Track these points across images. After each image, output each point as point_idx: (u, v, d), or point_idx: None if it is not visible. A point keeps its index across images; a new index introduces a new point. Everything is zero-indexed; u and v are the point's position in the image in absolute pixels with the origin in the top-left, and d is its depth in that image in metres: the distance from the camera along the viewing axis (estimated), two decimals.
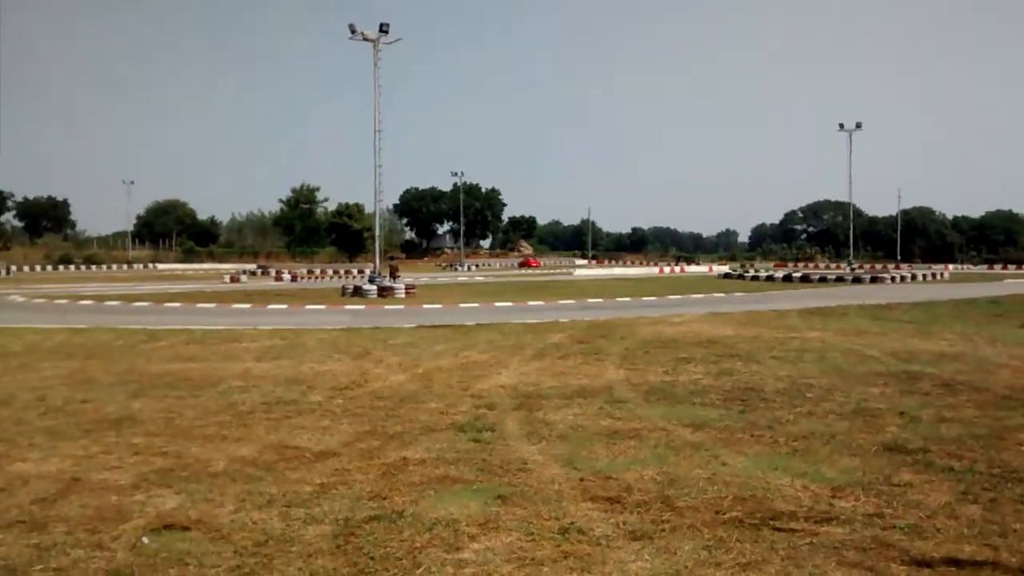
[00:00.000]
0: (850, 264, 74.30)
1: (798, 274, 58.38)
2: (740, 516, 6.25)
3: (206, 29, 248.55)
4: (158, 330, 20.87)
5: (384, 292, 38.38)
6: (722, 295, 38.85)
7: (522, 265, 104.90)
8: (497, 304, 32.71)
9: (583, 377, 13.29)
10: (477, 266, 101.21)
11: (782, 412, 10.37)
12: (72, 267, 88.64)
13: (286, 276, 62.68)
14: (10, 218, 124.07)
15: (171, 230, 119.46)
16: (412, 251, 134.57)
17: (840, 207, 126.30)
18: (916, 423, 9.66)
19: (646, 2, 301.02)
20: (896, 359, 15.30)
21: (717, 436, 9.04)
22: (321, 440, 8.92)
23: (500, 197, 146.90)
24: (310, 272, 70.83)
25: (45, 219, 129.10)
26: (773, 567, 5.25)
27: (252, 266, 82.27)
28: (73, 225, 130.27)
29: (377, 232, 46.59)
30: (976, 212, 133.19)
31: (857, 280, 53.94)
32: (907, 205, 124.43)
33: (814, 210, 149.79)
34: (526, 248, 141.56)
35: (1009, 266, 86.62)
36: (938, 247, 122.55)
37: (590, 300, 35.04)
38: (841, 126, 71.17)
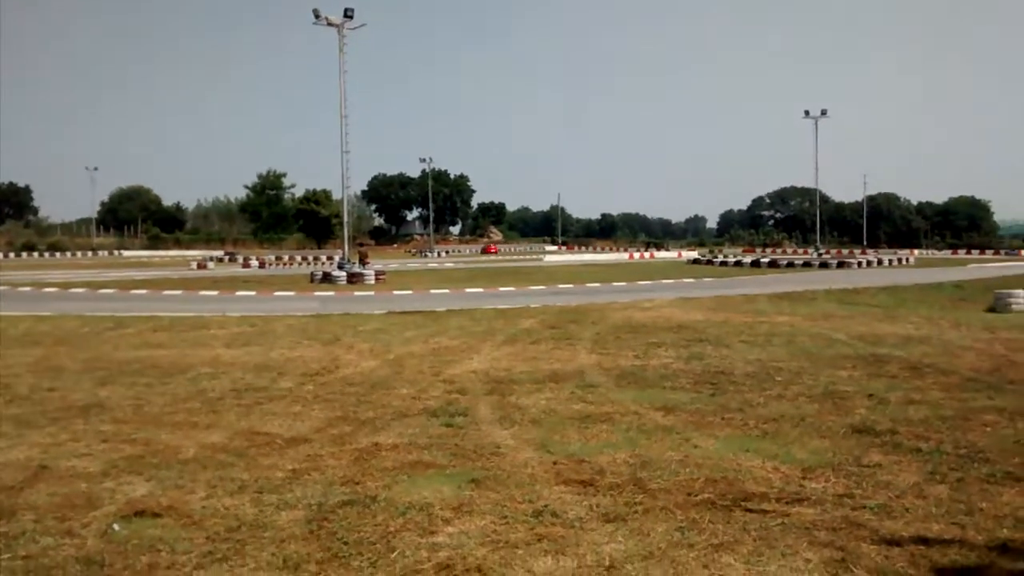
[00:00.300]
0: (817, 250, 74.99)
1: (766, 260, 58.89)
2: (712, 498, 6.29)
3: (172, 14, 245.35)
4: (125, 317, 20.64)
5: (353, 278, 38.21)
6: (691, 280, 39.09)
7: (484, 251, 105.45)
8: (468, 290, 32.69)
9: (555, 362, 13.31)
10: (447, 252, 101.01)
11: (752, 395, 10.46)
12: (35, 254, 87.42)
13: (254, 263, 62.15)
14: None
15: (136, 217, 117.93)
16: (381, 237, 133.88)
17: (807, 193, 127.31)
18: (884, 405, 9.78)
19: None
20: (863, 342, 15.47)
21: (688, 419, 9.09)
22: (292, 426, 8.87)
23: (469, 183, 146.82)
24: (278, 259, 70.30)
25: (7, 206, 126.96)
26: (745, 547, 5.30)
27: (219, 253, 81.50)
28: (36, 212, 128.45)
29: (345, 218, 46.36)
30: (940, 198, 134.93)
31: (824, 265, 54.52)
32: (873, 191, 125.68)
33: (781, 196, 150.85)
34: (495, 234, 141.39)
35: (972, 251, 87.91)
36: (903, 233, 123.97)
37: (560, 286, 35.11)
38: (807, 113, 71.70)
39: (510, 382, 11.47)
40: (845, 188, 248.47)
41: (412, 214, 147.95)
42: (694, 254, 77.58)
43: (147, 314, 21.61)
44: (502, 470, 7.09)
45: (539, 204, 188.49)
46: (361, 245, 65.68)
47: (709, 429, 8.64)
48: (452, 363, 13.20)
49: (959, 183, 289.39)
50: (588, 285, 35.69)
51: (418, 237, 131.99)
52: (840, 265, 54.56)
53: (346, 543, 5.41)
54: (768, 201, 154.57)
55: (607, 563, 5.05)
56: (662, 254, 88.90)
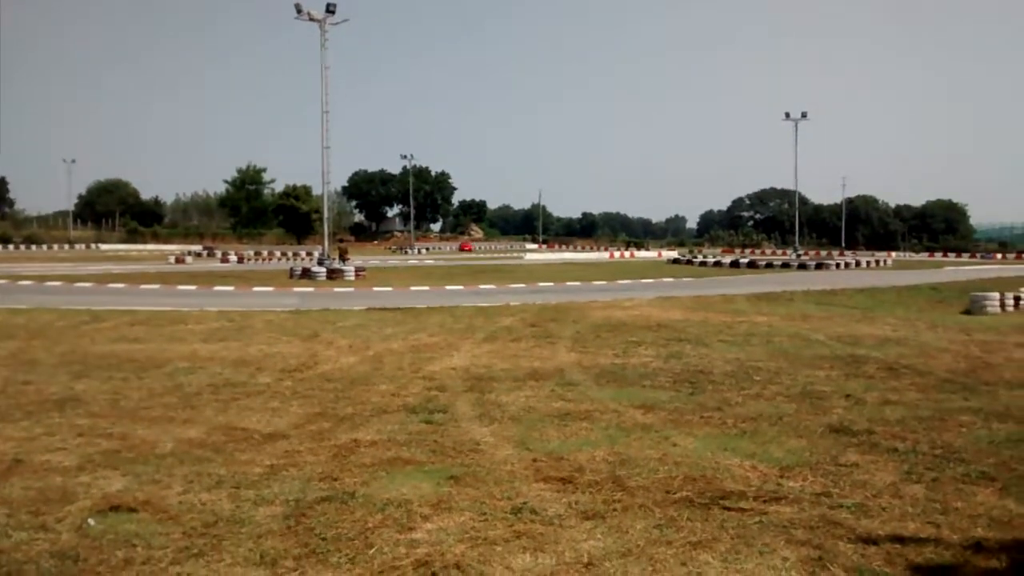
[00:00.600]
0: (795, 251, 75.41)
1: (745, 260, 59.21)
2: (690, 496, 6.32)
3: (150, 7, 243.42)
4: (102, 311, 20.43)
5: (333, 274, 38.07)
6: (671, 280, 39.23)
7: (461, 248, 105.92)
8: (448, 287, 32.65)
9: (535, 360, 13.32)
10: (427, 249, 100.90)
11: (731, 394, 10.51)
12: (11, 247, 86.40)
13: (232, 258, 61.81)
14: None
15: (114, 210, 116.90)
16: (361, 234, 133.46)
17: (786, 195, 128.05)
18: (861, 405, 9.85)
19: None
20: (841, 343, 15.58)
21: (667, 418, 9.12)
22: (270, 422, 8.82)
23: (450, 181, 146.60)
24: (257, 254, 69.95)
25: None
26: (723, 545, 5.32)
27: (198, 247, 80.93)
28: (12, 204, 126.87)
29: (326, 214, 46.17)
30: (918, 201, 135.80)
31: (802, 266, 54.89)
32: (851, 194, 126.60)
33: (761, 197, 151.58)
34: (476, 232, 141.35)
35: (949, 254, 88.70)
36: (881, 235, 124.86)
37: (541, 284, 35.14)
38: (787, 115, 72.01)
39: (490, 379, 11.47)
40: (824, 190, 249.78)
41: (393, 211, 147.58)
42: (674, 254, 77.82)
43: (124, 308, 21.42)
44: (481, 467, 7.09)
45: (520, 202, 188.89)
46: (341, 241, 65.63)
47: (688, 428, 8.67)
48: (432, 360, 13.18)
49: (937, 186, 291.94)
50: (568, 284, 35.75)
51: (399, 234, 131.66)
52: (818, 266, 54.91)
53: (324, 539, 5.38)
54: (748, 202, 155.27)
55: (586, 560, 5.05)
56: (642, 253, 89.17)
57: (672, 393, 10.59)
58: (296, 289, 31.82)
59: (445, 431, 8.43)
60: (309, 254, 63.23)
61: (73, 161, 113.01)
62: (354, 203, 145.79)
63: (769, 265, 55.99)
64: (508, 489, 6.46)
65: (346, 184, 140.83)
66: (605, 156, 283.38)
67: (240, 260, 60.63)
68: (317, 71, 41.35)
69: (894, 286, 34.33)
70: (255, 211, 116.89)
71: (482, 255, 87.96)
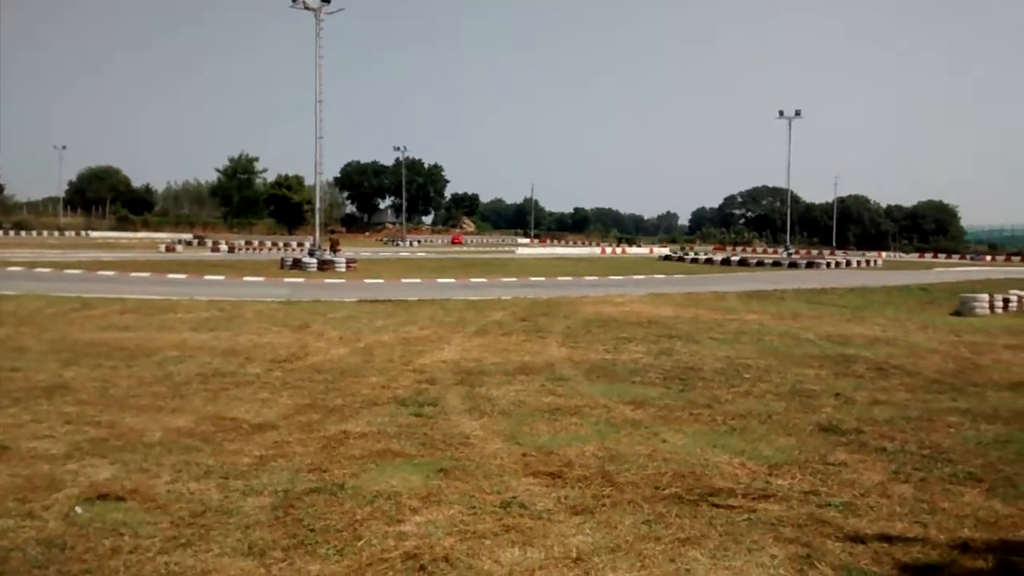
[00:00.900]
0: (787, 249, 75.42)
1: (736, 258, 59.31)
2: (679, 492, 6.33)
3: None
4: (91, 298, 20.35)
5: (324, 265, 38.01)
6: (662, 277, 39.28)
7: (453, 242, 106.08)
8: (439, 280, 32.63)
9: (525, 354, 13.32)
10: (419, 242, 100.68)
11: (720, 391, 10.53)
12: (0, 232, 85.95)
13: (223, 247, 61.57)
14: None
15: (104, 197, 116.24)
16: (353, 225, 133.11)
17: (778, 193, 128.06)
18: (850, 404, 9.89)
19: None
20: (831, 342, 15.63)
21: (657, 414, 9.14)
22: (260, 412, 8.80)
23: (443, 173, 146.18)
24: (248, 243, 69.68)
25: None
26: (712, 542, 5.33)
27: (188, 236, 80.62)
28: (1, 189, 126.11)
29: (317, 204, 45.97)
30: (909, 202, 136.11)
31: (793, 265, 55.01)
32: (843, 193, 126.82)
33: (753, 195, 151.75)
34: (468, 225, 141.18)
35: (939, 255, 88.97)
36: (872, 235, 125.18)
37: (532, 278, 35.13)
38: (781, 113, 72.03)
39: (480, 373, 11.46)
40: (816, 189, 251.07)
41: (385, 203, 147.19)
42: (666, 251, 77.80)
43: (114, 296, 21.34)
44: (471, 460, 7.09)
45: (512, 196, 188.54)
46: (332, 232, 65.46)
47: (677, 424, 8.68)
48: (422, 353, 13.16)
49: (928, 187, 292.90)
50: (560, 278, 35.78)
51: (390, 226, 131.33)
52: (809, 265, 55.08)
53: (312, 530, 5.37)
54: (740, 200, 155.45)
55: (574, 555, 5.06)
56: (634, 250, 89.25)
57: (662, 389, 10.60)
58: (287, 280, 31.76)
59: (435, 424, 8.42)
60: (300, 245, 63.05)
61: (64, 147, 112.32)
62: (346, 194, 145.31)
63: (760, 263, 56.12)
64: (497, 483, 6.46)
65: (338, 175, 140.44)
66: (598, 152, 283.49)
67: (231, 250, 60.42)
68: (311, 61, 41.19)
69: (884, 286, 34.44)
70: (246, 200, 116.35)
71: (473, 249, 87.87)
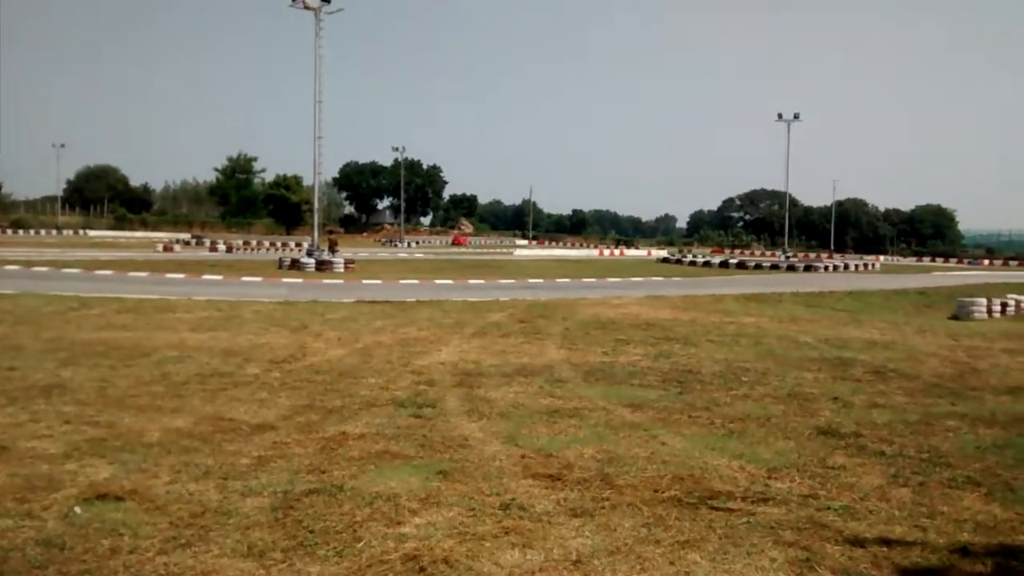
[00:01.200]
0: (785, 252, 75.32)
1: (734, 260, 59.29)
2: (678, 495, 6.33)
3: None
4: (89, 298, 20.33)
5: (322, 266, 37.97)
6: (661, 279, 39.28)
7: (453, 243, 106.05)
8: (437, 281, 32.61)
9: (524, 356, 13.32)
10: (417, 243, 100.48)
11: (719, 394, 10.54)
12: None
13: (221, 247, 61.43)
14: None
15: (102, 196, 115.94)
16: (351, 226, 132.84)
17: (776, 196, 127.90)
18: (849, 408, 9.90)
19: None
20: (829, 346, 15.64)
21: (656, 416, 9.14)
22: (258, 413, 8.80)
23: (441, 174, 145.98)
24: (246, 243, 69.55)
25: None
26: (711, 545, 5.33)
27: (186, 235, 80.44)
28: None
29: (316, 205, 45.92)
30: (907, 206, 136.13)
31: (791, 268, 55.02)
32: (841, 197, 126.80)
33: (751, 198, 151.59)
34: (466, 226, 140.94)
35: (937, 259, 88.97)
36: (870, 239, 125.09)
37: (530, 280, 35.13)
38: (780, 116, 72.00)
39: (479, 375, 11.46)
40: (814, 193, 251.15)
41: (383, 203, 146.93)
42: (664, 253, 77.77)
43: (112, 295, 21.31)
44: (470, 462, 7.09)
45: (511, 198, 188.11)
46: (331, 233, 65.41)
47: (676, 427, 8.69)
48: (421, 354, 13.16)
49: (926, 192, 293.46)
50: (558, 280, 35.77)
51: (388, 226, 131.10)
52: (807, 269, 55.09)
53: (312, 532, 5.37)
54: (738, 203, 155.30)
55: (574, 557, 5.06)
56: (632, 252, 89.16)
57: (661, 392, 10.61)
58: (285, 280, 31.74)
59: (434, 426, 8.43)
60: (298, 245, 62.96)
61: (63, 146, 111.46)
62: (344, 194, 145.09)
63: (758, 266, 56.10)
64: (497, 485, 6.46)
65: (337, 175, 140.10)
66: (596, 154, 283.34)
67: (229, 249, 60.29)
68: (311, 60, 41.17)
69: (882, 290, 34.45)
70: (245, 200, 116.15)
71: (471, 250, 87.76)
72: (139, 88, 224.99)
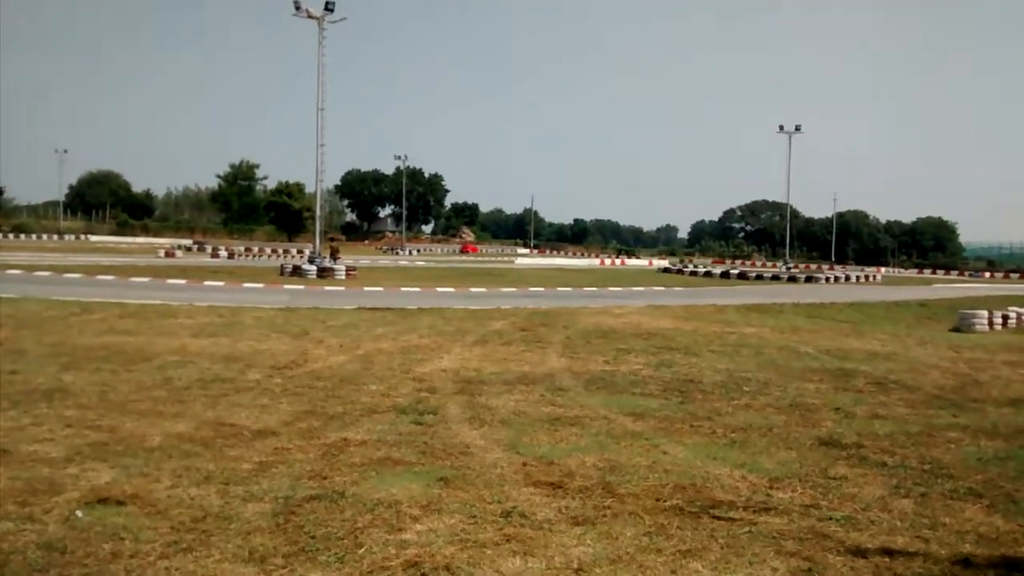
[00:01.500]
0: (786, 263, 75.47)
1: (735, 271, 59.32)
2: (680, 504, 6.32)
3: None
4: (91, 303, 20.34)
5: (324, 273, 38.01)
6: (662, 289, 39.26)
7: (462, 250, 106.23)
8: (439, 289, 32.60)
9: (525, 364, 13.31)
10: (419, 251, 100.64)
11: (720, 404, 10.53)
12: None
13: (223, 253, 61.41)
14: None
15: (104, 202, 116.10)
16: (353, 233, 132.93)
17: (778, 207, 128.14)
18: (851, 419, 9.89)
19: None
20: (831, 356, 15.63)
21: (657, 425, 9.14)
22: (260, 418, 8.79)
23: (443, 183, 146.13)
24: (247, 250, 69.56)
25: None
26: (713, 554, 5.32)
27: (188, 242, 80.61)
28: (1, 192, 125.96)
29: (318, 212, 45.98)
30: (908, 218, 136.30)
31: (792, 279, 55.05)
32: (842, 208, 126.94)
33: (752, 209, 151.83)
34: (467, 235, 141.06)
35: (938, 271, 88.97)
36: (871, 250, 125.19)
37: (532, 289, 35.15)
38: (781, 128, 72.12)
39: (480, 382, 11.46)
40: (815, 204, 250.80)
41: (385, 211, 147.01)
42: (665, 263, 77.73)
43: (113, 300, 21.30)
44: (471, 469, 7.08)
45: (512, 207, 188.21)
46: (332, 240, 65.33)
47: (678, 436, 8.68)
48: (422, 361, 13.16)
49: (927, 204, 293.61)
50: (559, 289, 35.77)
51: (390, 234, 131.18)
52: (808, 280, 55.12)
53: (313, 537, 5.37)
54: (739, 213, 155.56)
55: (575, 566, 5.05)
56: (633, 262, 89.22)
57: (662, 401, 10.60)
58: (286, 286, 31.74)
59: (435, 433, 8.42)
60: (300, 252, 63.06)
61: (65, 151, 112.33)
62: (346, 202, 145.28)
63: (759, 277, 56.12)
64: (498, 492, 6.45)
65: (338, 183, 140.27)
66: (598, 163, 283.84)
67: (230, 256, 60.30)
68: (313, 68, 41.33)
69: (883, 301, 34.43)
70: (247, 207, 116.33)
71: (473, 258, 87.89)
72: (142, 94, 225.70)
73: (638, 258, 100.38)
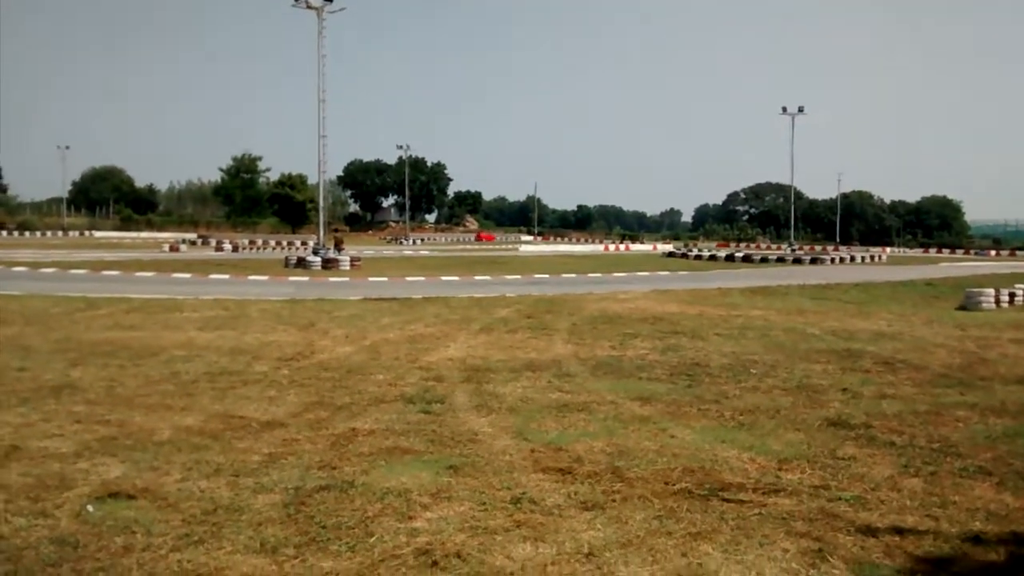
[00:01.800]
0: (791, 245, 75.36)
1: (740, 254, 59.20)
2: (689, 487, 6.33)
3: None
4: (97, 298, 20.39)
5: (328, 264, 38.03)
6: (666, 273, 39.21)
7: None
8: (443, 278, 32.60)
9: (531, 351, 13.32)
10: (423, 240, 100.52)
11: (727, 387, 10.53)
12: (4, 233, 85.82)
13: (227, 246, 61.53)
14: None
15: (108, 197, 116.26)
16: (356, 224, 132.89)
17: (781, 189, 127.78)
18: (858, 399, 9.88)
19: None
20: (837, 337, 15.61)
21: (665, 410, 9.14)
22: (268, 410, 8.81)
23: (446, 171, 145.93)
24: (251, 243, 69.60)
25: None
26: (723, 536, 5.33)
27: (192, 235, 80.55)
28: (5, 190, 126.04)
29: (321, 203, 45.97)
30: (913, 197, 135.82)
31: (797, 261, 54.90)
32: (847, 189, 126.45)
33: (756, 192, 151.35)
34: (471, 223, 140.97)
35: (944, 250, 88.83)
36: (876, 230, 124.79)
37: (536, 276, 35.12)
38: (784, 109, 71.86)
39: (487, 370, 11.47)
40: (819, 185, 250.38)
41: (388, 201, 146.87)
42: (669, 247, 77.56)
43: (119, 295, 21.36)
44: (480, 457, 7.09)
45: (516, 194, 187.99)
46: (336, 231, 65.44)
47: (685, 420, 8.69)
48: (428, 350, 13.17)
49: (932, 183, 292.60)
50: (564, 276, 35.75)
51: (394, 224, 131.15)
52: (813, 261, 55.00)
53: (324, 527, 5.38)
54: (743, 196, 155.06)
55: (586, 550, 5.06)
56: (637, 247, 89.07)
57: (669, 385, 10.60)
58: (291, 278, 31.76)
59: (443, 421, 8.43)
60: (304, 243, 63.04)
61: (67, 147, 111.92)
62: (349, 193, 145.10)
63: (764, 259, 56.00)
64: (507, 479, 6.46)
65: (341, 174, 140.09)
66: (601, 149, 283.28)
67: (235, 249, 60.40)
68: (314, 59, 41.23)
69: (889, 281, 34.38)
70: (250, 200, 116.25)
71: (477, 246, 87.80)
72: (143, 89, 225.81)
73: (642, 243, 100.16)
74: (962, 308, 22.76)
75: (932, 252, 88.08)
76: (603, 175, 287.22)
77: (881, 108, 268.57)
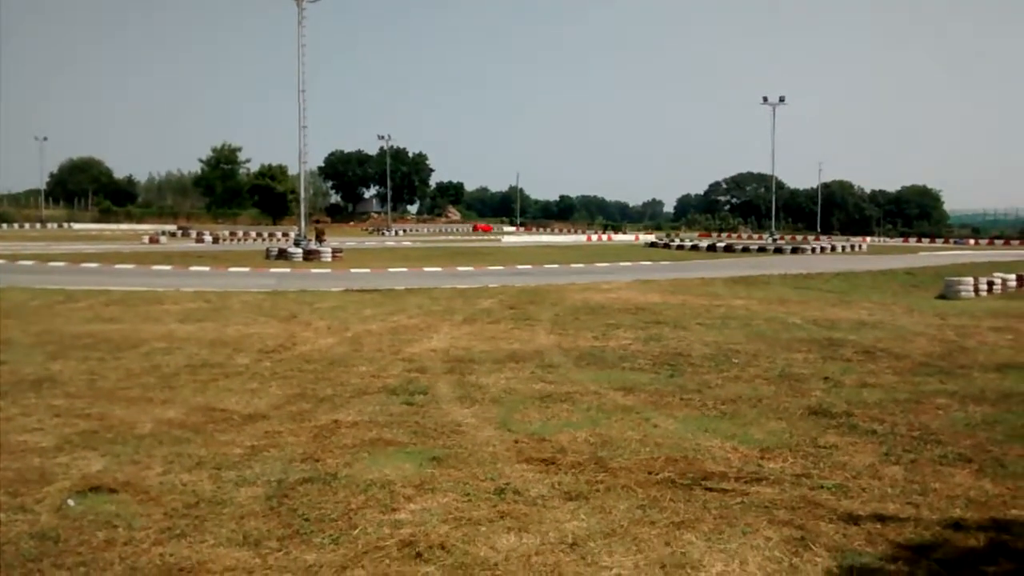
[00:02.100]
0: (772, 235, 75.63)
1: (722, 244, 59.51)
2: (672, 476, 6.35)
3: None
4: (76, 291, 20.22)
5: (310, 255, 37.89)
6: (649, 263, 39.33)
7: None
8: (426, 269, 32.57)
9: (514, 342, 13.32)
10: (405, 231, 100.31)
11: (710, 376, 10.56)
12: None
13: (207, 238, 61.22)
14: None
15: (86, 189, 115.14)
16: (338, 215, 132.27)
17: (763, 179, 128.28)
18: (839, 388, 9.94)
19: None
20: (818, 326, 15.70)
21: (647, 399, 9.16)
22: (250, 403, 8.77)
23: (428, 162, 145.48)
24: (232, 234, 69.35)
25: None
26: (706, 525, 5.35)
27: (172, 227, 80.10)
28: None
29: (302, 194, 45.70)
30: (893, 187, 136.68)
31: (779, 251, 55.22)
32: (827, 179, 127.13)
33: (737, 182, 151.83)
34: (453, 214, 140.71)
35: (923, 239, 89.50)
36: (856, 220, 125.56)
37: (519, 267, 35.13)
38: (765, 99, 71.99)
39: (470, 361, 11.46)
40: (800, 175, 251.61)
41: (369, 192, 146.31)
42: (651, 237, 77.87)
43: (99, 288, 21.19)
44: (463, 448, 7.09)
45: (498, 185, 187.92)
46: (317, 222, 65.08)
47: (668, 409, 8.71)
48: (411, 342, 13.14)
49: (912, 173, 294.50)
50: (546, 266, 35.78)
51: (375, 215, 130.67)
52: (794, 251, 55.35)
53: (307, 520, 5.36)
54: (725, 186, 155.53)
55: (570, 540, 5.07)
56: (620, 237, 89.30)
57: (652, 375, 10.63)
58: (273, 270, 31.63)
59: (426, 412, 8.42)
60: (285, 235, 62.81)
61: (45, 139, 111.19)
62: (330, 183, 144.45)
63: (746, 249, 56.26)
64: (491, 470, 6.46)
65: (322, 164, 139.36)
66: (583, 140, 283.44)
67: (215, 240, 60.09)
68: (294, 49, 40.94)
69: (869, 271, 34.62)
70: (230, 191, 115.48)
71: (459, 237, 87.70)
72: (121, 80, 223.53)
73: (624, 233, 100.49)
74: (942, 297, 22.98)
75: (912, 241, 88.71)
76: (586, 166, 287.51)
77: (862, 98, 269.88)
